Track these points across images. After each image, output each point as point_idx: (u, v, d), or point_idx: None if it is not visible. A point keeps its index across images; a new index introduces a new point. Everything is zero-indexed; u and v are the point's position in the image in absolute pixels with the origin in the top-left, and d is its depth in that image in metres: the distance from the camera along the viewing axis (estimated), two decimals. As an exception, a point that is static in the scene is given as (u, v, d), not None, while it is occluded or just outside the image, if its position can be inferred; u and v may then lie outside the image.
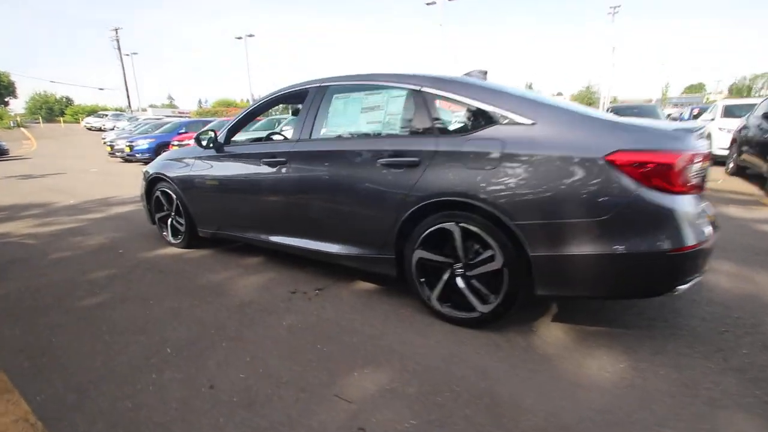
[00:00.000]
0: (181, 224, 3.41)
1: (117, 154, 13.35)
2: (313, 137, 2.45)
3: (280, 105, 3.70)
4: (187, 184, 3.17)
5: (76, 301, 2.48)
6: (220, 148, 2.96)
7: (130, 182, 7.82)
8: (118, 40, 39.66)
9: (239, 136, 3.24)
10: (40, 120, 37.74)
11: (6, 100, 42.58)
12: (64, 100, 54.79)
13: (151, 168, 3.56)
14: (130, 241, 3.77)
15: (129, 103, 41.44)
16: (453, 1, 24.20)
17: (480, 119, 1.91)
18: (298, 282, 2.67)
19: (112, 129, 23.84)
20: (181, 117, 29.07)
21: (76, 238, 3.99)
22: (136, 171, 10.30)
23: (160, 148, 12.21)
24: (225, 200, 2.98)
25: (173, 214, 3.46)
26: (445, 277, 2.01)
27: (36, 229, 4.42)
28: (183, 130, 12.90)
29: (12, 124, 30.42)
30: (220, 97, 60.78)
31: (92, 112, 39.45)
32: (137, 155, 12.25)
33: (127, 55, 40.93)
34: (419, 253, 2.06)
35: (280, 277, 2.77)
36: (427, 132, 2.02)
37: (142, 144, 12.23)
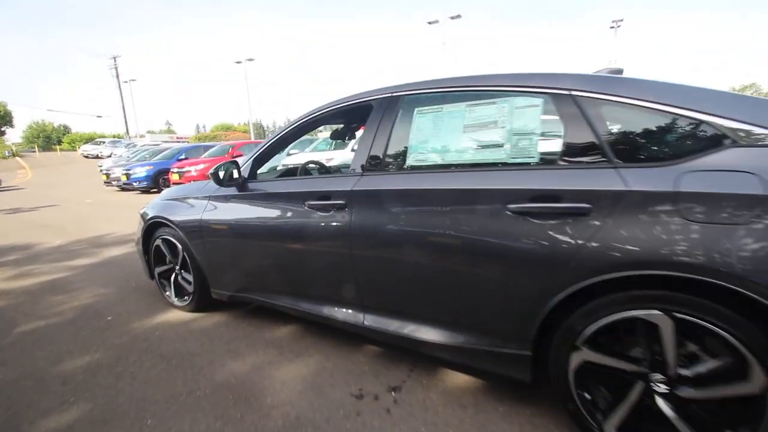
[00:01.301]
0: (188, 282, 2.62)
1: (113, 183, 12.63)
2: (386, 169, 1.70)
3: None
4: (197, 231, 2.39)
5: (35, 424, 1.66)
6: (243, 185, 2.20)
7: (125, 215, 7.04)
8: (116, 68, 39.67)
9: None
10: (36, 149, 37.25)
11: (2, 129, 42.20)
12: (62, 128, 54.64)
13: (151, 209, 2.79)
14: (123, 302, 2.97)
15: (127, 129, 41.14)
16: (456, 19, 24.04)
17: (698, 137, 1.16)
18: (359, 374, 1.86)
19: (109, 156, 23.28)
20: (179, 142, 28.57)
21: (56, 297, 3.18)
22: (133, 201, 9.55)
23: (158, 175, 11.53)
24: (250, 254, 2.20)
25: (178, 268, 2.67)
26: (635, 395, 1.23)
27: (9, 283, 3.61)
28: (183, 156, 12.24)
29: (7, 154, 29.88)
30: (219, 121, 60.76)
31: (90, 139, 39.04)
32: (134, 184, 11.53)
33: (125, 82, 40.91)
34: (584, 355, 1.27)
35: (331, 365, 1.96)
36: (595, 160, 1.26)
37: (140, 172, 11.53)
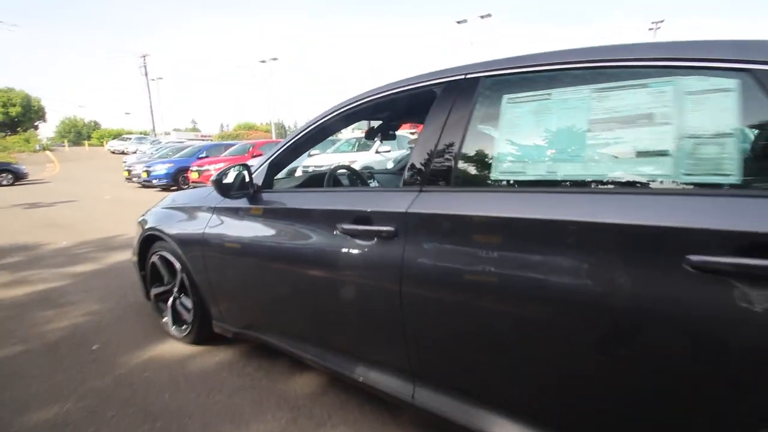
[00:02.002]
0: (188, 309, 2.15)
1: (134, 179, 12.54)
2: (458, 184, 1.17)
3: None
4: (198, 249, 1.91)
5: None
6: (255, 196, 1.71)
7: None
8: (145, 66, 40.48)
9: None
10: (66, 144, 38.33)
11: (36, 124, 43.71)
12: (92, 124, 56.42)
13: (150, 217, 2.35)
14: (116, 323, 2.54)
15: (153, 126, 41.94)
16: (485, 18, 23.33)
17: None
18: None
19: (135, 152, 23.53)
20: (203, 140, 28.76)
21: (45, 312, 2.78)
22: (151, 200, 9.27)
23: (178, 173, 11.33)
24: (263, 285, 1.72)
25: (176, 292, 2.20)
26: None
27: (2, 291, 3.25)
28: (203, 154, 12.02)
29: (38, 148, 30.74)
30: (242, 120, 61.52)
31: (117, 135, 39.96)
32: (154, 181, 11.36)
33: (153, 80, 41.72)
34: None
35: (365, 444, 1.44)
36: None
37: (160, 169, 11.35)
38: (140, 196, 10.45)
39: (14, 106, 39.93)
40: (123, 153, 27.78)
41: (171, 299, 2.24)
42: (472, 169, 1.17)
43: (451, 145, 1.18)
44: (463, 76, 1.24)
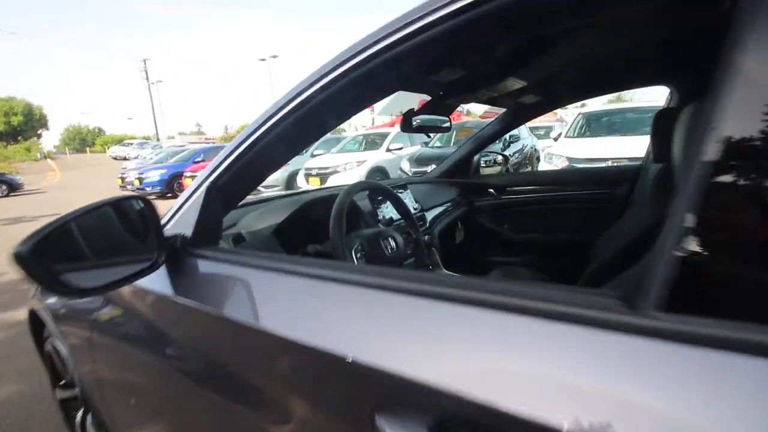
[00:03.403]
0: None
1: (128, 187, 11.74)
2: None
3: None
4: (87, 347, 0.99)
5: None
6: (176, 266, 0.79)
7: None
8: (146, 71, 39.92)
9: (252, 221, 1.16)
10: (67, 151, 38.00)
11: (39, 132, 43.49)
12: (96, 130, 56.28)
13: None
14: (23, 421, 1.66)
15: (156, 130, 41.43)
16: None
17: None
18: None
19: (136, 158, 22.88)
20: (205, 143, 28.05)
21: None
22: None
23: (173, 180, 10.49)
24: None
25: (81, 410, 1.29)
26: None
27: None
28: (199, 158, 11.16)
29: (39, 156, 30.36)
30: (245, 121, 60.81)
31: (119, 141, 39.49)
32: (147, 189, 10.52)
33: (153, 83, 41.16)
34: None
35: None
36: None
37: (153, 176, 10.52)
38: (132, 206, 9.65)
39: (16, 115, 39.62)
40: (125, 159, 27.22)
41: (79, 416, 1.32)
42: None
43: None
44: None
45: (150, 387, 0.88)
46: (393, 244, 1.16)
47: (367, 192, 1.44)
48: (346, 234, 1.06)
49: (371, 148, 8.33)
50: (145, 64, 40.26)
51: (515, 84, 1.33)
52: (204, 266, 0.76)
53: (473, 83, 1.21)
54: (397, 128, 8.93)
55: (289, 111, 0.70)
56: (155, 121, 41.48)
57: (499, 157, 4.59)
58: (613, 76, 1.54)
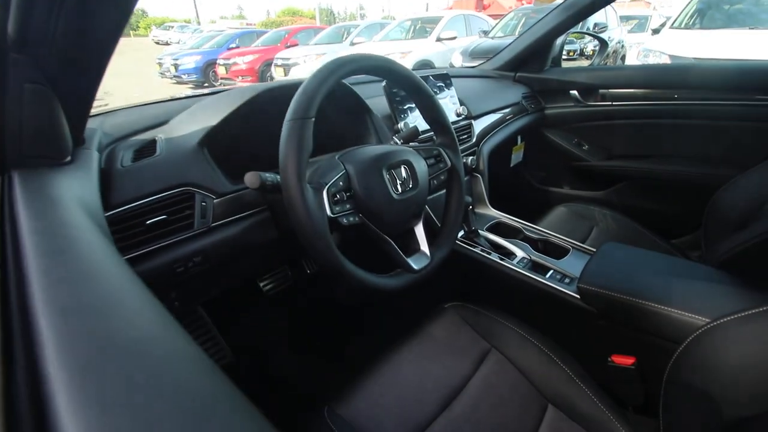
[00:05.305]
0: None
1: (165, 74, 11.41)
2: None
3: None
4: None
5: None
6: None
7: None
8: (181, -60, 36.41)
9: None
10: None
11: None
12: (140, 12, 54.74)
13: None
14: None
15: (196, 13, 39.48)
16: None
17: None
18: None
19: (177, 42, 22.10)
20: (247, 28, 26.39)
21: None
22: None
23: (208, 67, 9.98)
24: None
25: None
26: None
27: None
28: (234, 44, 10.41)
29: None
30: (286, 5, 56.12)
31: (161, 23, 38.19)
32: (184, 76, 10.15)
33: (192, -43, 37.87)
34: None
35: None
36: None
37: (188, 62, 10.03)
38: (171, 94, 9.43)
39: None
40: (167, 43, 26.46)
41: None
42: None
43: None
44: None
45: None
46: (406, 174, 0.69)
47: (383, 83, 0.92)
48: (326, 154, 0.61)
49: (419, 36, 7.18)
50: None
51: None
52: None
53: None
54: (453, 13, 7.56)
55: None
56: (195, 3, 39.28)
57: (590, 45, 3.57)
58: None
